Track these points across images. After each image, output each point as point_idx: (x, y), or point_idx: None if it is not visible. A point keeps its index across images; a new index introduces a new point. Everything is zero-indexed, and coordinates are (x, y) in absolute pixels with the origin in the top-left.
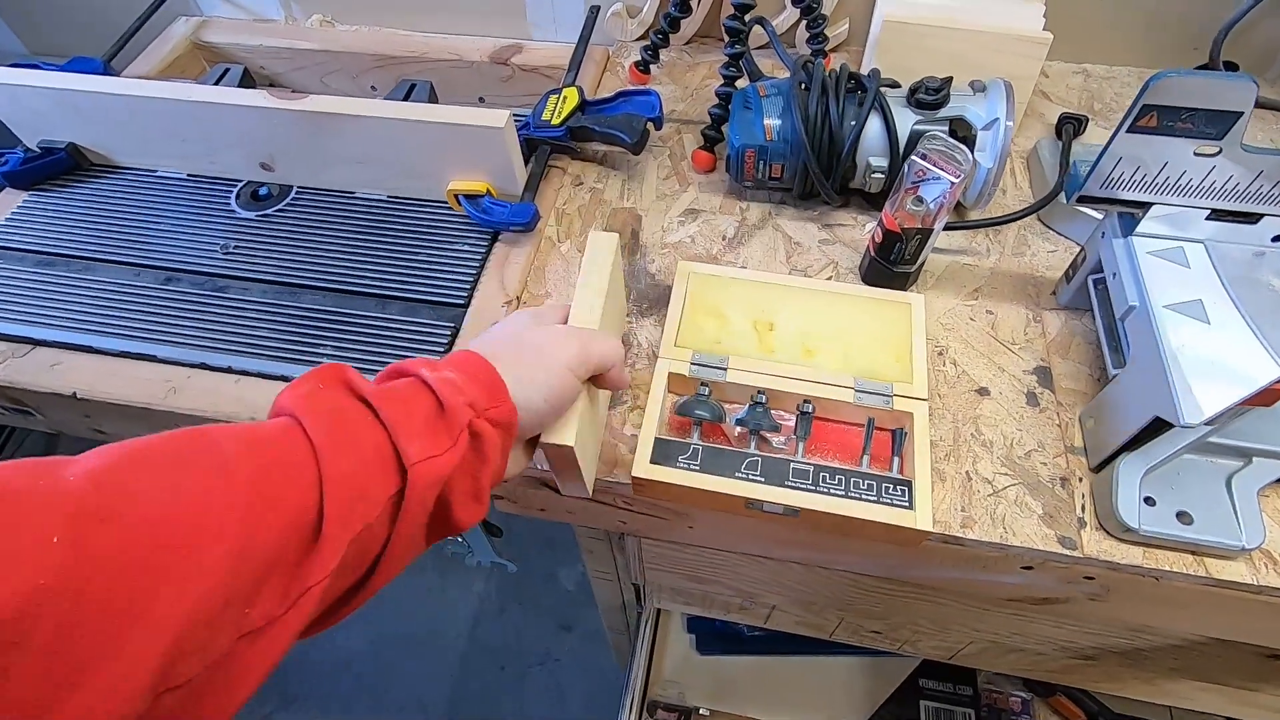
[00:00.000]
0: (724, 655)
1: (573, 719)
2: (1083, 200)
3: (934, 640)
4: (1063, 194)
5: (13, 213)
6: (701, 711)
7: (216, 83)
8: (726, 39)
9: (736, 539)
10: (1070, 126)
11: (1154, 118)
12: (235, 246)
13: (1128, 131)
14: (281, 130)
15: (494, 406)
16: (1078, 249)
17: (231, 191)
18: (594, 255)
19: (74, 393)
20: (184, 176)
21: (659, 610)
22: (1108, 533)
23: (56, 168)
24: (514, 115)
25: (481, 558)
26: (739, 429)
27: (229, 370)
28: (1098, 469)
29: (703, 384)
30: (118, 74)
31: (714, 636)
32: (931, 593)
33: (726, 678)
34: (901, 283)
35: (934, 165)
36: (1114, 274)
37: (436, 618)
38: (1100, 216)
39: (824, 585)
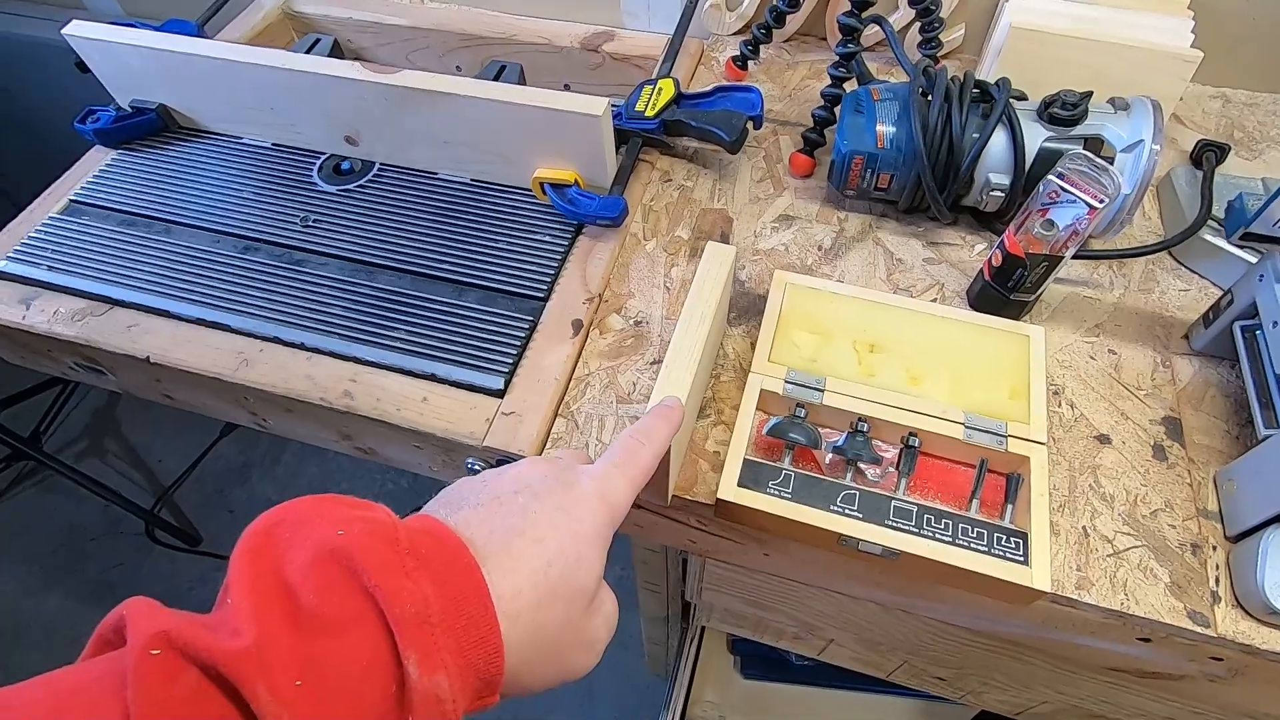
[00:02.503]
0: (768, 682)
1: None
2: (1246, 238)
3: (1004, 695)
4: (1206, 227)
5: (101, 170)
6: None
7: (306, 53)
8: (840, 36)
9: (815, 572)
10: (1211, 154)
11: None
12: (315, 220)
13: None
14: (370, 104)
15: (472, 706)
16: (1215, 290)
17: (314, 164)
18: (709, 268)
19: (148, 357)
20: (268, 145)
21: (704, 628)
22: (1247, 612)
23: (146, 128)
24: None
25: None
26: (833, 457)
27: (301, 346)
28: (1237, 539)
29: (798, 405)
30: (211, 38)
31: (759, 661)
32: (1020, 649)
33: (768, 704)
34: (1015, 312)
35: (1073, 186)
36: (1275, 322)
37: None
38: (1252, 259)
39: (897, 627)
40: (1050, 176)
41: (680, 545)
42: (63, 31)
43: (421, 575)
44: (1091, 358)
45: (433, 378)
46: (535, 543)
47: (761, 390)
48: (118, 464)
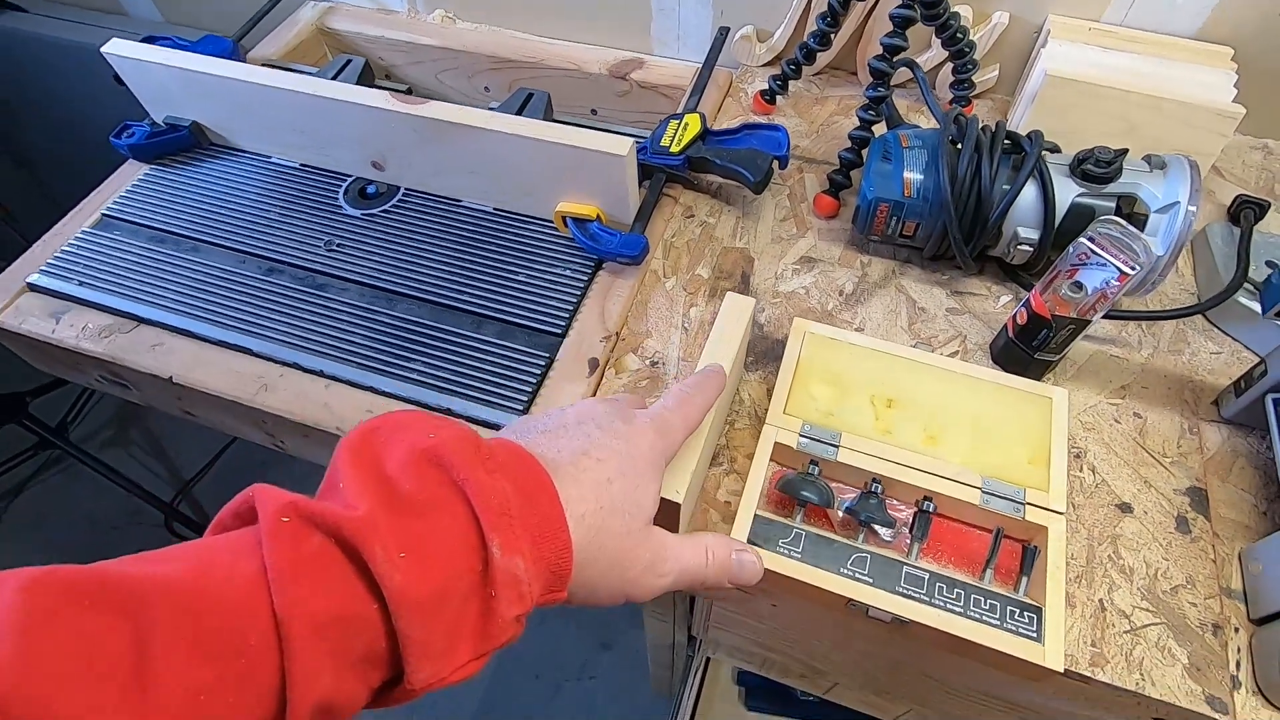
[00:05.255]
0: (772, 715)
1: None
2: None
3: None
4: (1242, 292)
5: (133, 185)
6: None
7: (337, 74)
8: (870, 80)
9: (823, 627)
10: (1250, 212)
11: None
12: (338, 244)
13: None
14: (397, 132)
15: (543, 598)
16: (1250, 356)
17: (341, 186)
18: (728, 319)
19: (170, 377)
20: (297, 166)
21: (709, 659)
22: (1268, 700)
23: (178, 144)
24: (633, 139)
25: None
26: (845, 515)
27: (320, 374)
28: (1261, 622)
29: (812, 461)
30: (246, 53)
31: (765, 693)
32: (1032, 714)
33: None
34: (1039, 371)
35: (1103, 250)
36: None
37: None
38: None
39: (907, 680)
40: (1081, 239)
41: (687, 590)
42: (102, 49)
43: (501, 476)
44: (1116, 420)
45: (448, 413)
46: (598, 462)
47: (776, 443)
48: (140, 455)
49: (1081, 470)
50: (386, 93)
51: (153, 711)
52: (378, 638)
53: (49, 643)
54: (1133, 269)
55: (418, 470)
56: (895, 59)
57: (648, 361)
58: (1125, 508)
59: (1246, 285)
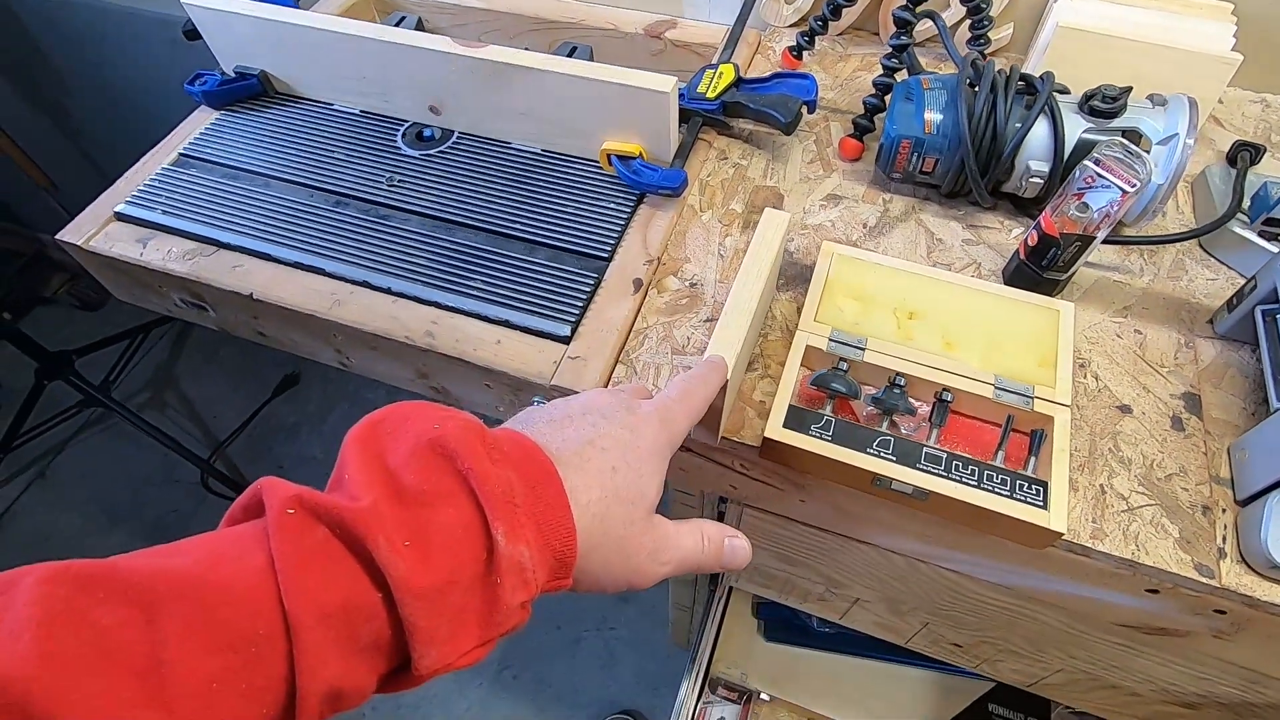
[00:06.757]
0: (790, 645)
1: (622, 689)
2: (1269, 223)
3: (1018, 663)
4: (1235, 219)
5: (207, 128)
6: (762, 696)
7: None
8: (894, 29)
9: (847, 520)
10: (1246, 154)
11: None
12: (399, 180)
13: None
14: (456, 76)
15: (549, 584)
16: (1242, 279)
17: (399, 130)
18: (766, 229)
19: (251, 294)
20: (357, 112)
21: (731, 589)
22: (1250, 567)
23: (247, 92)
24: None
25: None
26: (870, 409)
27: (388, 291)
28: (1245, 503)
29: (841, 359)
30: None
31: (782, 625)
32: (1035, 607)
33: (790, 667)
34: (1048, 290)
35: (1107, 172)
36: None
37: None
38: (1276, 249)
39: (922, 583)
40: (1087, 162)
41: (721, 491)
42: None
43: (506, 465)
44: (1118, 336)
45: (506, 324)
46: (601, 451)
47: (807, 346)
48: (176, 417)
49: (1086, 378)
50: (446, 38)
51: (168, 700)
52: (383, 626)
53: (67, 635)
54: (1133, 186)
55: (423, 461)
56: (918, 9)
57: (687, 283)
58: (1125, 409)
59: (1240, 216)
